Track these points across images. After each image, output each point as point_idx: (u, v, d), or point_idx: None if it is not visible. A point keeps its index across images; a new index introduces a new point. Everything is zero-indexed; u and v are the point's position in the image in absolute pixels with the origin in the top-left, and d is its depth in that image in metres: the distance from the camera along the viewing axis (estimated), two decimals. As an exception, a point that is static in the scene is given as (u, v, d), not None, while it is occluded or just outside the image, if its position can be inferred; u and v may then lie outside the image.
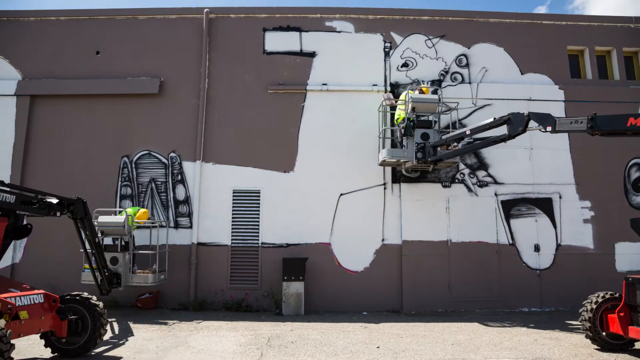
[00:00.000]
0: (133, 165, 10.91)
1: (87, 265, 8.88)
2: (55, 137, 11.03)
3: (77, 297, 6.27)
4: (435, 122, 10.22)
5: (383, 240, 10.61)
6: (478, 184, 10.86)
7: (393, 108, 10.71)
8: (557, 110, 11.25)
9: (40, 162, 10.87)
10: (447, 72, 11.36)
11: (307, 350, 6.65)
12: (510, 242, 10.68)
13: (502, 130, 8.21)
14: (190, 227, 10.59)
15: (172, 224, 10.61)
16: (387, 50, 11.41)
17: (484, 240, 10.62)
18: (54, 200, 6.25)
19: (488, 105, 11.20)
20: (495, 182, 10.87)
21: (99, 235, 8.69)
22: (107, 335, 7.31)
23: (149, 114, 11.09)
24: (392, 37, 11.46)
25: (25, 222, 6.19)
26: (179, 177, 10.86)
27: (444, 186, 10.82)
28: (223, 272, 10.46)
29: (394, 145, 10.77)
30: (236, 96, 11.17)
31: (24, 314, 5.23)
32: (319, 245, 10.53)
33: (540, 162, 10.96)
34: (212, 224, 10.63)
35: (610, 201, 10.89)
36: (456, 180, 10.87)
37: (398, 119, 10.13)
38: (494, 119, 8.27)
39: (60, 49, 11.40)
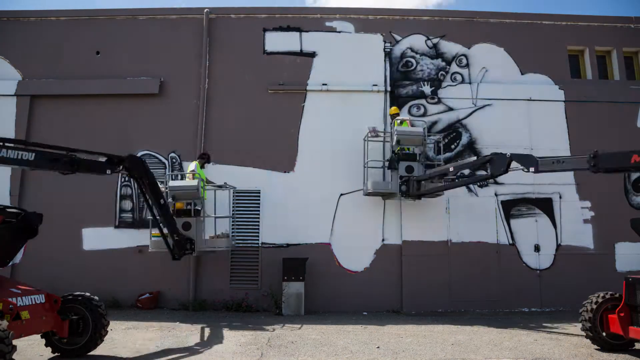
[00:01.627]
0: (133, 165, 10.89)
1: (155, 233, 8.66)
2: (55, 137, 10.99)
3: (79, 298, 6.27)
4: (420, 154, 10.09)
5: (383, 240, 10.61)
6: (478, 184, 10.86)
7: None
8: (557, 110, 11.26)
9: (40, 162, 10.86)
10: (447, 72, 11.36)
11: (307, 350, 6.65)
12: (511, 242, 10.69)
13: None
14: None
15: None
16: (387, 50, 11.41)
17: (484, 241, 10.62)
18: (102, 159, 6.01)
19: (488, 105, 11.21)
20: (495, 183, 10.86)
21: (169, 199, 8.27)
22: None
23: (149, 114, 11.09)
24: (392, 37, 11.46)
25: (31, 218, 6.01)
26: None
27: (444, 186, 10.81)
28: (223, 272, 10.45)
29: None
30: (236, 96, 11.17)
31: (25, 314, 5.22)
32: (319, 245, 10.53)
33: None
34: (212, 224, 10.60)
35: (610, 201, 10.88)
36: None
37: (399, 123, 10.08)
38: (476, 158, 8.50)
39: (60, 49, 11.40)
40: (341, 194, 10.75)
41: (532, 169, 7.13)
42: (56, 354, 6.13)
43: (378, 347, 6.84)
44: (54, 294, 5.92)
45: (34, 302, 5.46)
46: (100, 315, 6.20)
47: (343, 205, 10.72)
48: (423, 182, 9.63)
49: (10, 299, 5.14)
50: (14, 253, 6.03)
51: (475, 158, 8.56)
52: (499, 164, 7.72)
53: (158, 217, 6.86)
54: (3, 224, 5.69)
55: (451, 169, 8.80)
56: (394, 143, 9.88)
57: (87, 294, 6.44)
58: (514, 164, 7.52)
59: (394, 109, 10.60)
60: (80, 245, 10.61)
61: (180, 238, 6.83)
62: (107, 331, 6.38)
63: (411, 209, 10.65)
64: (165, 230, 7.64)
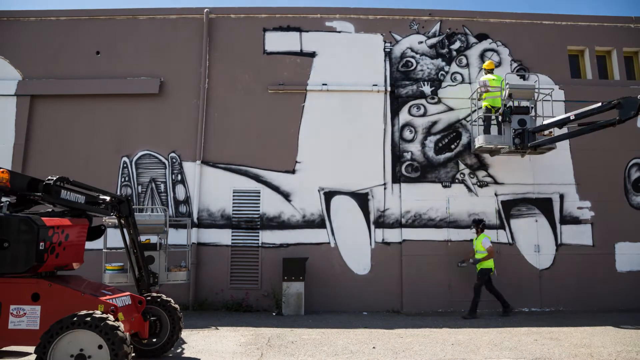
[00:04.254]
0: (133, 165, 10.91)
1: (108, 267, 8.88)
2: (55, 137, 11.03)
3: (158, 299, 6.35)
4: (532, 108, 10.08)
5: (383, 240, 10.61)
6: (478, 184, 10.85)
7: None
8: (558, 110, 11.23)
9: (40, 162, 10.86)
10: (447, 72, 11.36)
11: (307, 350, 6.65)
12: (511, 242, 10.69)
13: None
14: (190, 227, 10.58)
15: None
16: (387, 50, 11.41)
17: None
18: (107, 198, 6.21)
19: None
20: (496, 182, 10.86)
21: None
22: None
23: (149, 114, 11.09)
24: (392, 37, 11.46)
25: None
26: (179, 177, 10.86)
27: (444, 186, 10.82)
28: (223, 272, 10.45)
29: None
30: (236, 96, 11.17)
31: (120, 315, 5.19)
32: (319, 245, 10.53)
33: (540, 162, 10.94)
34: (212, 224, 10.62)
35: (610, 201, 10.88)
36: (456, 181, 10.86)
37: (490, 105, 10.08)
38: (602, 103, 8.01)
39: (60, 49, 11.39)
40: (341, 194, 10.75)
41: None
42: (133, 354, 6.15)
43: (374, 347, 6.83)
44: (137, 295, 5.96)
45: (124, 304, 5.47)
46: (178, 319, 6.30)
47: (343, 206, 10.72)
48: (537, 134, 9.45)
49: (109, 301, 5.12)
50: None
51: (600, 104, 7.92)
52: (629, 107, 7.34)
53: (133, 253, 7.04)
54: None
55: (572, 117, 8.49)
56: (505, 96, 9.78)
57: (164, 295, 6.51)
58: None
59: (490, 63, 10.52)
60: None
61: (147, 273, 7.06)
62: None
63: (412, 209, 10.65)
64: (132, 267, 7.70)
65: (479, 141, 9.98)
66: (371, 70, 11.30)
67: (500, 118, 9.97)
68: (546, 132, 9.62)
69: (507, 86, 9.74)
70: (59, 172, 5.74)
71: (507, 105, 9.84)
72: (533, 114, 10.06)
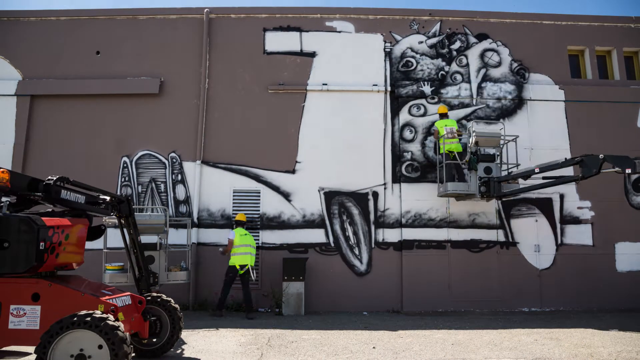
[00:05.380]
0: (133, 165, 10.91)
1: (108, 267, 8.89)
2: (55, 137, 11.03)
3: (158, 299, 6.34)
4: (498, 155, 10.10)
5: (383, 240, 10.62)
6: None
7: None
8: (558, 110, 11.26)
9: (40, 162, 10.85)
10: (447, 72, 11.36)
11: (307, 350, 6.65)
12: (511, 242, 10.68)
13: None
14: (190, 227, 10.59)
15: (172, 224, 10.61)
16: (387, 50, 11.41)
17: (484, 240, 10.62)
18: (107, 198, 6.21)
19: (488, 105, 11.19)
20: (496, 182, 10.85)
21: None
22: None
23: (149, 114, 11.09)
24: (392, 37, 11.46)
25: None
26: (179, 177, 10.86)
27: (444, 186, 10.81)
28: (223, 272, 10.43)
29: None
30: (236, 96, 11.17)
31: (120, 315, 5.17)
32: (319, 245, 10.53)
33: (540, 162, 10.87)
34: (212, 224, 10.62)
35: (610, 201, 10.88)
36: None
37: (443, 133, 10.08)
38: (565, 159, 8.27)
39: (60, 49, 11.39)
40: (342, 194, 10.75)
41: (628, 171, 6.77)
42: (133, 354, 6.15)
43: (374, 347, 6.83)
44: (137, 295, 5.95)
45: (124, 304, 5.46)
46: (178, 318, 6.29)
47: (343, 206, 10.72)
48: (502, 183, 9.59)
49: (109, 301, 5.11)
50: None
51: (564, 159, 8.24)
52: (591, 165, 7.43)
53: (134, 253, 7.05)
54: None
55: (537, 170, 8.65)
56: (471, 144, 9.84)
57: (164, 295, 6.50)
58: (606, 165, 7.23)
59: (442, 108, 10.62)
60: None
61: (147, 273, 7.09)
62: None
63: (412, 209, 10.65)
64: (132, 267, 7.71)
65: (448, 187, 9.95)
66: (371, 70, 11.30)
67: (467, 166, 10.06)
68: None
69: (474, 133, 9.76)
70: (59, 172, 5.73)
71: (473, 153, 9.89)
72: (498, 161, 10.07)
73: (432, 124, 11.01)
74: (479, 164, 9.82)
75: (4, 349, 5.12)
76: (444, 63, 11.41)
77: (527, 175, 9.11)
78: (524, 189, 9.66)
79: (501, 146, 10.18)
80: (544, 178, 9.20)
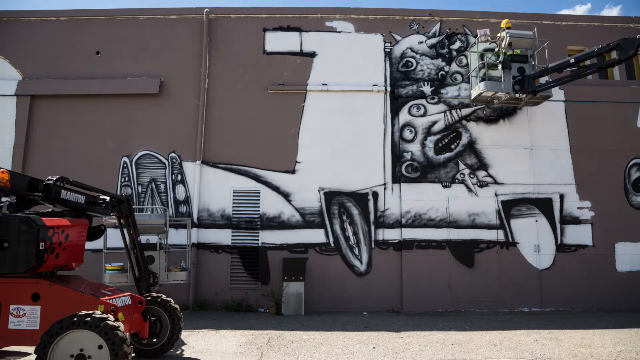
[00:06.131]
0: (133, 165, 10.91)
1: (108, 267, 8.90)
2: (55, 137, 11.03)
3: (158, 299, 6.35)
4: (530, 57, 10.30)
5: (383, 240, 10.62)
6: (478, 184, 10.85)
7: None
8: (557, 110, 11.25)
9: (40, 162, 10.85)
10: (447, 72, 11.36)
11: (307, 350, 6.65)
12: (511, 242, 10.68)
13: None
14: (190, 227, 10.59)
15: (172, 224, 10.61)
16: (387, 50, 11.41)
17: (484, 240, 10.62)
18: (107, 198, 6.22)
19: (488, 105, 11.18)
20: (496, 183, 10.86)
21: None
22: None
23: (149, 114, 11.09)
24: (392, 37, 11.46)
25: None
26: (179, 177, 10.86)
27: (444, 186, 10.82)
28: (223, 272, 10.45)
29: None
30: (236, 96, 11.16)
31: (120, 315, 5.18)
32: (319, 245, 10.53)
33: (540, 162, 10.95)
34: (212, 224, 10.62)
35: (610, 201, 10.88)
36: (456, 181, 10.86)
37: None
38: (601, 45, 8.23)
39: (60, 49, 11.39)
40: (341, 194, 10.75)
41: None
42: (133, 354, 6.15)
43: (374, 347, 6.83)
44: (137, 295, 5.96)
45: (124, 304, 5.47)
46: (178, 318, 6.31)
47: (343, 205, 10.72)
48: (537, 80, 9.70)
49: (109, 301, 5.11)
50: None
51: (599, 46, 8.28)
52: (628, 48, 7.54)
53: (134, 253, 7.05)
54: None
55: (572, 61, 8.70)
56: (505, 45, 10.02)
57: (164, 296, 6.50)
58: None
59: (506, 21, 10.66)
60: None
61: (147, 273, 7.09)
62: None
63: (412, 209, 10.65)
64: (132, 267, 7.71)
65: (480, 88, 10.05)
66: (371, 70, 11.30)
67: (501, 65, 10.14)
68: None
69: (507, 35, 9.93)
70: (59, 172, 5.74)
71: (507, 53, 10.01)
72: (532, 62, 10.25)
73: (432, 124, 11.02)
74: (513, 64, 9.96)
75: (4, 349, 5.12)
76: (443, 63, 11.40)
77: (562, 66, 9.13)
78: (558, 80, 9.60)
79: (534, 48, 10.24)
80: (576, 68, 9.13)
